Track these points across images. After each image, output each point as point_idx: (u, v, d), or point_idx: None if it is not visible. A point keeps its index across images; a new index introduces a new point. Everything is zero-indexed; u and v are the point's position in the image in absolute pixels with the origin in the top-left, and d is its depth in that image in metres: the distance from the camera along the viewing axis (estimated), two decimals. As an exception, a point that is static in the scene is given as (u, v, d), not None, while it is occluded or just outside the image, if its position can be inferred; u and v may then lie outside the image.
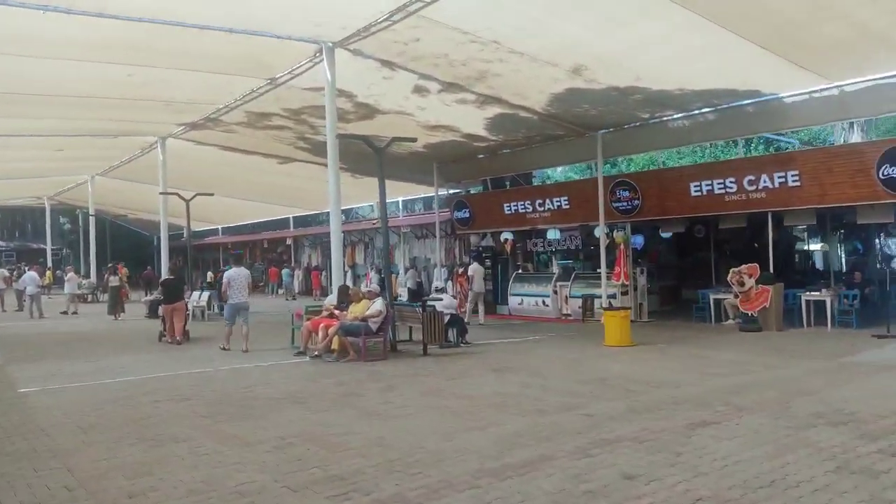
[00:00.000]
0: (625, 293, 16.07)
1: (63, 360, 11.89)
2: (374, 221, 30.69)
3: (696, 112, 14.95)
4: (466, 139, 18.15)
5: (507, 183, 21.24)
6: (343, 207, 34.12)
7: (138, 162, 25.27)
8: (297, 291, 30.62)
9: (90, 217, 30.19)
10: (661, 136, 16.12)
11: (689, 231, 18.37)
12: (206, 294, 20.30)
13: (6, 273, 24.57)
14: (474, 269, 18.27)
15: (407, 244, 28.40)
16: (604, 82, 13.29)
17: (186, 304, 15.15)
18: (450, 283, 21.61)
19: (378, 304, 11.21)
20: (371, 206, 35.90)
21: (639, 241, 18.16)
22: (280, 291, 32.22)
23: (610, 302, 15.71)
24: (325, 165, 23.08)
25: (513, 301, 18.90)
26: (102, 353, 12.63)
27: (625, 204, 16.63)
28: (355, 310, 11.47)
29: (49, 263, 35.43)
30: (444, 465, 5.33)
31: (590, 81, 13.28)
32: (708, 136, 16.69)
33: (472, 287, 17.50)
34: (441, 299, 12.55)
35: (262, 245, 35.85)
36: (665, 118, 15.53)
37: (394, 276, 27.08)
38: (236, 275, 12.87)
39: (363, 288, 27.08)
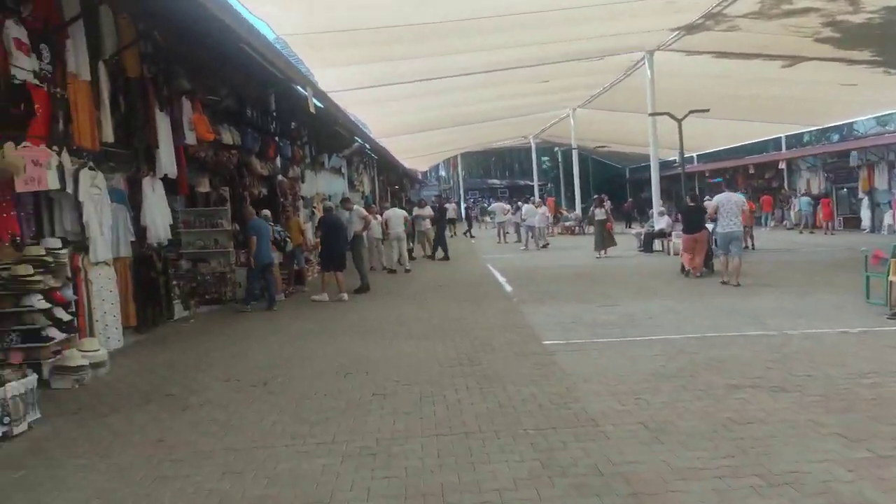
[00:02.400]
0: None
1: (574, 302, 10.30)
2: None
3: None
4: None
5: None
6: (866, 116, 27.11)
7: (617, 89, 23.39)
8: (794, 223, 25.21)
9: (573, 151, 29.98)
10: None
11: None
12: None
13: (506, 207, 25.83)
14: None
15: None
16: None
17: (708, 234, 12.50)
18: None
19: None
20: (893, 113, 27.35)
21: None
22: (771, 223, 27.20)
23: None
24: (850, 62, 17.70)
25: None
26: (614, 296, 10.69)
27: None
28: None
29: (536, 199, 37.45)
30: None
31: None
32: None
33: None
34: None
35: (745, 171, 30.89)
36: None
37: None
38: (726, 200, 11.53)
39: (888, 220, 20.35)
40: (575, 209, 29.25)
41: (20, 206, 6.43)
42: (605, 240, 17.97)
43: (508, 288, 12.38)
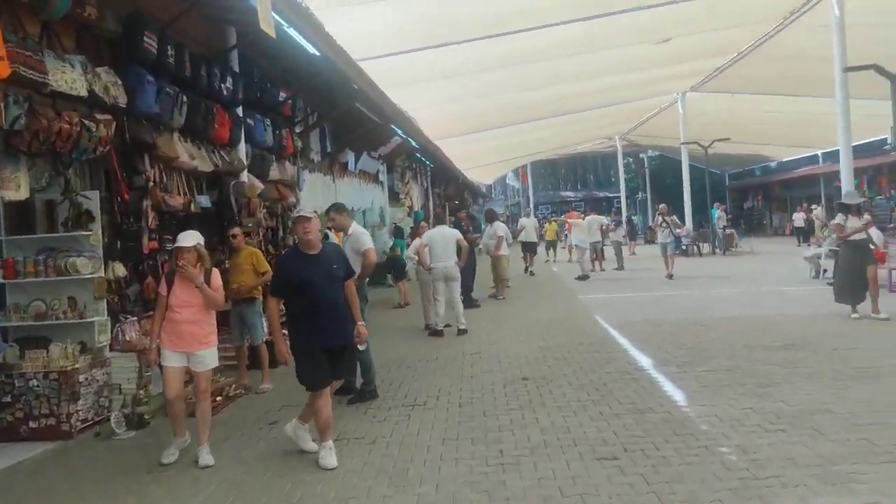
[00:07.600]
0: None
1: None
2: None
3: None
4: None
5: None
6: None
7: (755, 55, 16.13)
8: None
9: (681, 146, 22.64)
10: None
11: None
12: None
13: (606, 221, 17.78)
14: None
15: None
16: None
17: None
18: None
19: None
20: None
21: None
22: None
23: None
24: None
25: None
26: None
27: None
28: None
29: (623, 212, 30.24)
30: None
31: None
32: None
33: None
34: None
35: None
36: None
37: None
38: None
39: None
40: (684, 223, 21.63)
41: None
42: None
43: (671, 389, 5.52)
